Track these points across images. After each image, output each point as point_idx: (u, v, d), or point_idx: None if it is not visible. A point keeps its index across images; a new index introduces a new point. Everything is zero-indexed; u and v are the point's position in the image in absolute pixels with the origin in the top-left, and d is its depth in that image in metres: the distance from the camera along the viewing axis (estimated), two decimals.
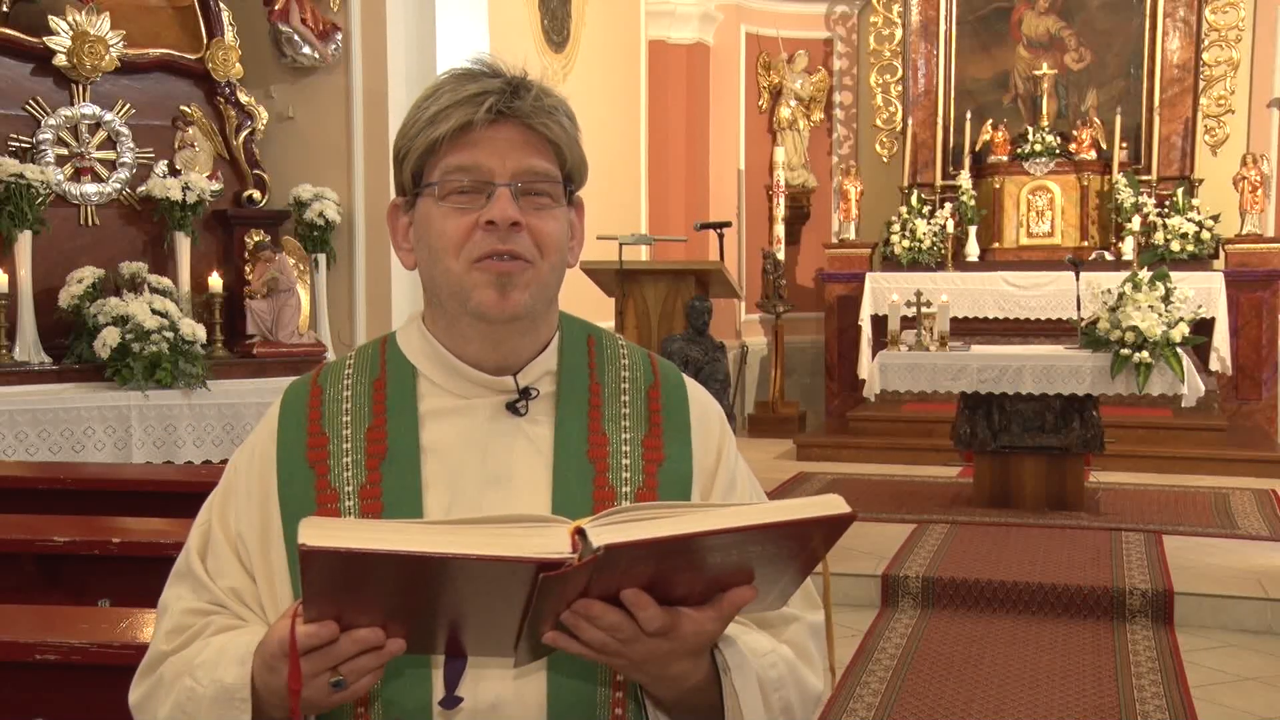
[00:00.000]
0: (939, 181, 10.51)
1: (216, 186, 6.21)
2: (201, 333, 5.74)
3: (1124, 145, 10.08)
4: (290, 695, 1.20)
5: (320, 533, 1.12)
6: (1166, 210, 9.93)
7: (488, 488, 1.42)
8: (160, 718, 1.39)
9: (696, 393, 1.54)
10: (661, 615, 1.21)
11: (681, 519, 1.17)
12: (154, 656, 1.43)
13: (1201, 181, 10.06)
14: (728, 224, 7.35)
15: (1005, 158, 10.24)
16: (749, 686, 1.34)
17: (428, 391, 1.47)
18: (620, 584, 1.19)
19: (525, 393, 1.45)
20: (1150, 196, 9.98)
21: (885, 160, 10.91)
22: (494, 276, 1.38)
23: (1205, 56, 10.07)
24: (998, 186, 10.25)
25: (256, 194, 6.43)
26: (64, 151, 5.87)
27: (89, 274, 5.72)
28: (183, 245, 6.09)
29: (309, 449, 1.44)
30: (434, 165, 1.40)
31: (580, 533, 1.16)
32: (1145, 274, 7.15)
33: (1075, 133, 10.17)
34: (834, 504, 1.20)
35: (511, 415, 1.45)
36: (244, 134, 6.40)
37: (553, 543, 1.15)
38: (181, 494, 3.62)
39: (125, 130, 6.03)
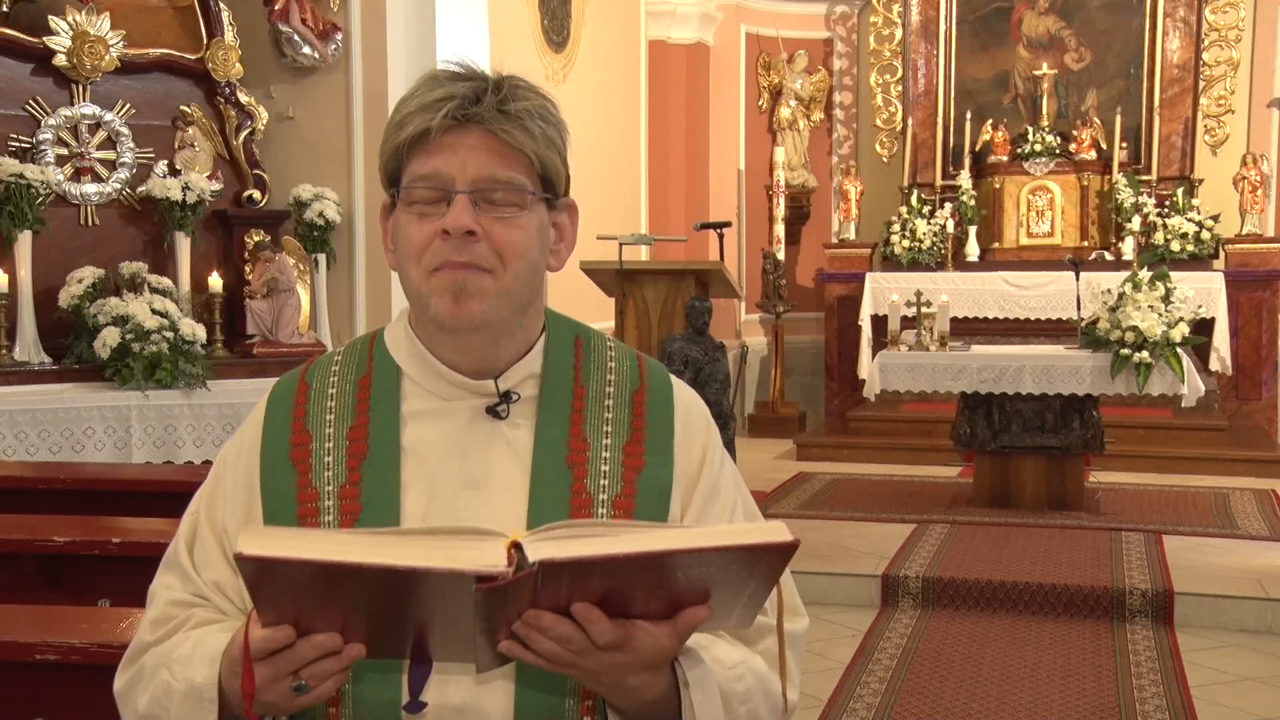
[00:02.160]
0: (939, 181, 10.50)
1: (216, 186, 6.21)
2: (201, 333, 5.74)
3: (1124, 145, 10.07)
4: (244, 698, 1.21)
5: (257, 540, 1.12)
6: (1166, 210, 9.93)
7: (465, 491, 1.40)
8: (140, 707, 1.41)
9: (683, 396, 1.52)
10: (612, 629, 1.20)
11: (621, 538, 1.16)
12: (138, 646, 1.45)
13: (1201, 181, 10.06)
14: (728, 224, 7.35)
15: (1005, 158, 10.23)
16: (709, 701, 1.33)
17: (411, 392, 1.46)
18: (571, 597, 1.18)
19: (505, 396, 1.44)
20: (1150, 196, 9.97)
21: (885, 160, 10.91)
22: (448, 284, 1.37)
23: (1205, 56, 10.07)
24: (998, 186, 10.24)
25: (256, 194, 6.43)
26: (64, 151, 5.87)
27: (89, 274, 5.72)
28: (183, 245, 6.09)
29: (292, 446, 1.44)
30: (403, 171, 1.39)
31: (517, 546, 1.15)
32: (1145, 274, 7.15)
33: (1075, 133, 10.17)
34: (776, 531, 1.19)
35: (491, 419, 1.43)
36: (244, 134, 6.40)
37: (488, 556, 1.14)
38: (182, 494, 3.58)
39: (125, 130, 6.03)
